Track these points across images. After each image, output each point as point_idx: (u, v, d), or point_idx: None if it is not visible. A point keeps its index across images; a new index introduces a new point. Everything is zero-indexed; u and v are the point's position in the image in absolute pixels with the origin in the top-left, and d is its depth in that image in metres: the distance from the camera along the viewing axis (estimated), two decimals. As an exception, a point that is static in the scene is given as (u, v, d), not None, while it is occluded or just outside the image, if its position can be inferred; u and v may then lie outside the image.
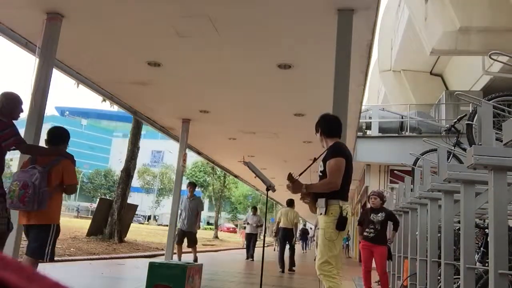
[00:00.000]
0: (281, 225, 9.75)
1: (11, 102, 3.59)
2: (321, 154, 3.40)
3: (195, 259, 8.15)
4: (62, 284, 0.37)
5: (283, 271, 9.27)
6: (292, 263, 9.61)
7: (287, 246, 9.83)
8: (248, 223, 13.31)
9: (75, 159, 3.78)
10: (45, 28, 4.33)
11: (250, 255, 12.63)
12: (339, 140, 3.44)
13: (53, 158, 3.63)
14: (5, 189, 3.38)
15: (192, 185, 8.92)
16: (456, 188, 3.49)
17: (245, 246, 13.97)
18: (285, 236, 9.62)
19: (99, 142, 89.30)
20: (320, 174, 3.36)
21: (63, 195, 3.77)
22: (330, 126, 3.47)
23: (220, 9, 4.12)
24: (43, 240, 3.46)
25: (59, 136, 3.84)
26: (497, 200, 2.52)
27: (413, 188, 5.12)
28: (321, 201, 3.22)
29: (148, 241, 15.45)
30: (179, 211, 8.56)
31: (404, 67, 17.15)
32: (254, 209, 13.66)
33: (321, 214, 3.22)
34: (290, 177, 3.32)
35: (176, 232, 8.25)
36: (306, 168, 3.50)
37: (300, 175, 3.40)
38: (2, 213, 3.34)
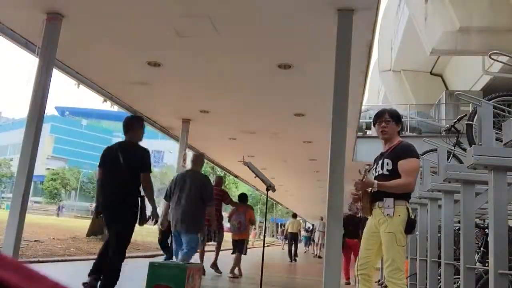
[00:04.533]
0: (289, 230, 15.71)
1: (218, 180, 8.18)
2: (388, 152, 3.27)
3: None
4: (62, 284, 0.37)
5: (291, 261, 14.29)
6: (295, 255, 14.93)
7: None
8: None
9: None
10: (45, 28, 4.32)
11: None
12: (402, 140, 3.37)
13: (245, 209, 7.83)
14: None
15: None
16: (456, 188, 3.49)
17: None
18: (292, 238, 15.44)
19: (99, 142, 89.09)
20: (387, 172, 3.18)
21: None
22: (403, 123, 3.40)
23: (220, 9, 4.12)
24: (243, 246, 7.63)
25: (244, 198, 8.11)
26: (497, 200, 2.52)
27: (413, 188, 5.11)
28: (389, 201, 3.05)
29: (148, 241, 15.43)
30: None
31: (404, 67, 17.14)
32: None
33: (387, 215, 3.04)
34: (366, 172, 3.20)
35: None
36: (374, 166, 3.42)
37: (368, 171, 3.28)
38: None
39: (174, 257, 5.69)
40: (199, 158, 5.94)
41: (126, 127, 4.47)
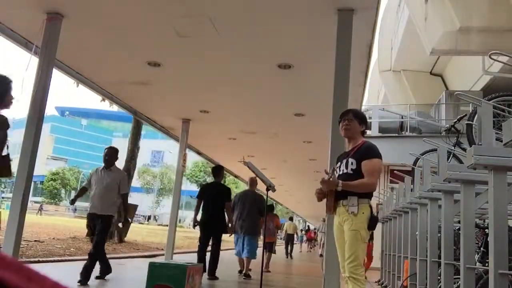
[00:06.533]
0: (287, 232, 17.88)
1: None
2: (353, 152, 3.31)
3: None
4: (62, 284, 0.37)
5: (287, 257, 16.45)
6: (290, 253, 17.10)
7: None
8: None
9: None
10: (45, 28, 4.33)
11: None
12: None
13: (271, 217, 9.13)
14: None
15: None
16: (456, 188, 3.49)
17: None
18: (289, 238, 17.54)
19: (99, 142, 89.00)
20: (351, 172, 3.23)
21: None
22: (367, 125, 3.48)
23: (220, 9, 4.12)
24: (273, 247, 9.94)
25: (272, 208, 10.38)
26: (497, 200, 2.52)
27: (413, 188, 5.12)
28: (353, 199, 3.13)
29: (148, 241, 15.44)
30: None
31: (404, 67, 17.16)
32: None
33: (352, 212, 3.12)
34: (333, 172, 3.29)
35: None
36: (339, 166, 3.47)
37: (333, 171, 3.35)
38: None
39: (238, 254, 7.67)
40: (254, 181, 7.78)
41: (215, 174, 7.42)
